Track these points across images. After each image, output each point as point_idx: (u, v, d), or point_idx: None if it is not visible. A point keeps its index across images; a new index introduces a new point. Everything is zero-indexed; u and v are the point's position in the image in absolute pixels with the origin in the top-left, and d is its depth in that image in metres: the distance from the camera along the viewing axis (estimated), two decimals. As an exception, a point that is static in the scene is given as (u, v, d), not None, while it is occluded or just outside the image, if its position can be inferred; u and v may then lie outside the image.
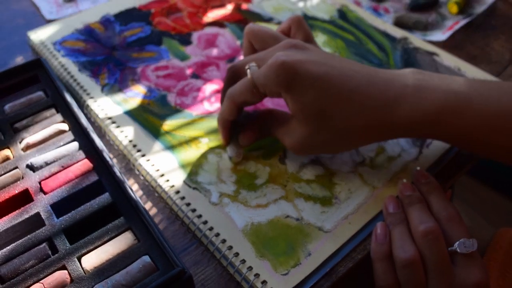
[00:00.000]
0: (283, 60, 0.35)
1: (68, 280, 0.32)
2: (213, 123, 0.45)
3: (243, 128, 0.41)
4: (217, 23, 0.57)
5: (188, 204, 0.38)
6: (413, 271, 0.33)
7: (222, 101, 0.41)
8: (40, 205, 0.36)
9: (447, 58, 0.52)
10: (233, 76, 0.40)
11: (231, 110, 0.39)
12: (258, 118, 0.41)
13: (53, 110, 0.44)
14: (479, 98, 0.34)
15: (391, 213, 0.36)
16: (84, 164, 0.39)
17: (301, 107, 0.36)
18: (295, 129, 0.38)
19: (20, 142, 0.41)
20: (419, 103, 0.35)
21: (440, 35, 0.56)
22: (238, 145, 0.41)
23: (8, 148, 0.40)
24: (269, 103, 0.47)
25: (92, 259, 0.33)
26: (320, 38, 0.55)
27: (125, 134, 0.43)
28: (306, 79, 0.35)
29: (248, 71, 0.37)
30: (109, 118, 0.45)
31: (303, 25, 0.41)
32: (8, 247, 0.33)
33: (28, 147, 0.40)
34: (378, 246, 0.35)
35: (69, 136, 0.41)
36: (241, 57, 0.52)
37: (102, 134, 0.45)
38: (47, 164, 0.39)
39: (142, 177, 0.41)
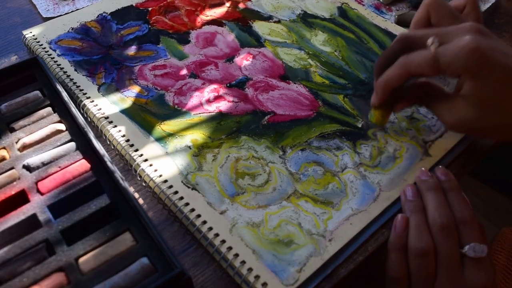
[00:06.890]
0: (477, 45, 0.35)
1: (66, 282, 0.32)
2: (212, 122, 0.45)
3: (404, 97, 0.41)
4: (216, 22, 0.56)
5: (186, 204, 0.38)
6: (425, 262, 0.33)
7: (379, 66, 0.40)
8: (37, 206, 0.35)
9: (448, 57, 0.52)
10: (406, 44, 0.39)
11: (401, 78, 0.39)
12: (418, 89, 0.41)
13: (49, 110, 0.43)
14: None
15: (409, 200, 0.37)
16: (82, 164, 0.38)
17: (481, 94, 0.36)
18: (460, 109, 0.37)
19: (16, 142, 0.40)
20: None
21: (441, 34, 0.55)
22: (386, 110, 0.42)
23: (4, 148, 0.40)
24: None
25: (90, 261, 0.32)
26: (320, 37, 0.54)
27: (122, 134, 0.43)
28: (494, 69, 0.35)
29: (433, 46, 0.37)
30: (106, 118, 0.44)
31: (477, 6, 0.43)
32: (5, 249, 0.33)
33: (24, 147, 0.40)
34: (396, 237, 0.35)
35: (66, 136, 0.41)
36: (241, 56, 0.52)
37: (99, 134, 0.44)
38: (44, 164, 0.38)
39: (140, 178, 0.41)
